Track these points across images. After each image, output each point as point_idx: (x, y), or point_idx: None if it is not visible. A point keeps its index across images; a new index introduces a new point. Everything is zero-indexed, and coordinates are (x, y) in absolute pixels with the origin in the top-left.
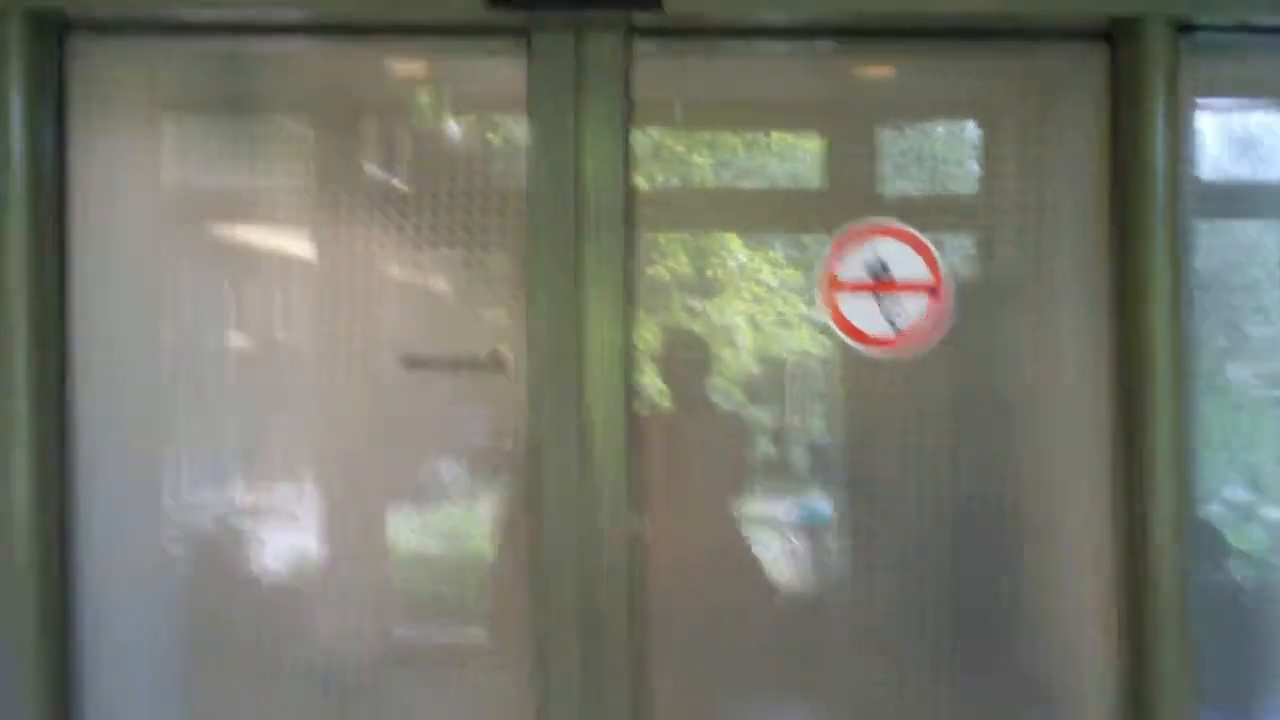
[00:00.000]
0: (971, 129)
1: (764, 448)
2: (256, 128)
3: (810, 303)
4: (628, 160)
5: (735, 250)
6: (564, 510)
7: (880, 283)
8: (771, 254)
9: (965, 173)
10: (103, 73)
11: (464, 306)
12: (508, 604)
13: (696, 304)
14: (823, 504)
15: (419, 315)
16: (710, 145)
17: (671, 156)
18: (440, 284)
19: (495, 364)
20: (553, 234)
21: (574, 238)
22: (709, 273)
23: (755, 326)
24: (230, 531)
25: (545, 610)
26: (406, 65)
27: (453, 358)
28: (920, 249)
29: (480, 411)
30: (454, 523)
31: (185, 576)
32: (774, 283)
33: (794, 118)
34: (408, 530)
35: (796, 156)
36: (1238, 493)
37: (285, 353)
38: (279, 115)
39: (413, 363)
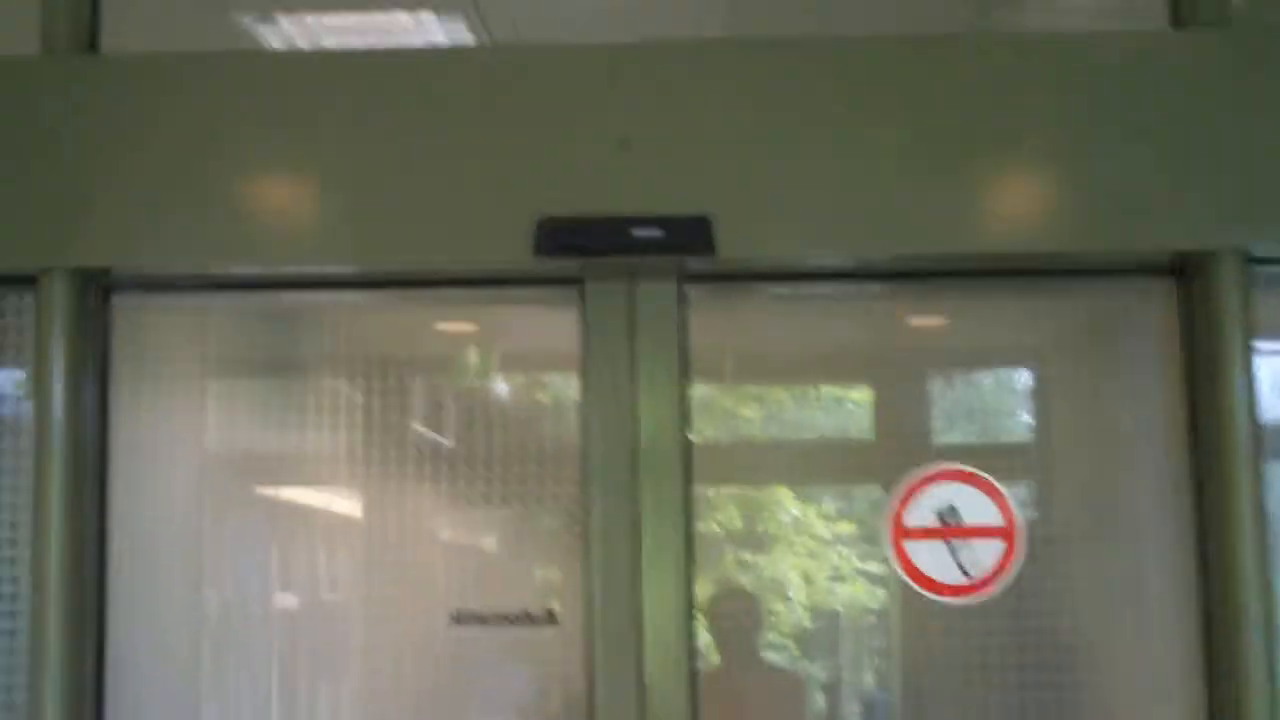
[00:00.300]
0: (1029, 369)
1: (820, 703)
2: (303, 386)
3: (864, 556)
4: (684, 411)
5: (788, 505)
6: None
7: (950, 528)
8: (823, 507)
9: (1024, 415)
10: (148, 332)
11: (513, 563)
12: None
13: (749, 557)
14: None
15: (467, 573)
16: (759, 398)
17: (721, 409)
18: (488, 541)
19: (548, 620)
20: (608, 488)
21: (631, 492)
22: (760, 527)
23: (808, 580)
24: None
25: None
26: (456, 319)
27: (503, 614)
28: (991, 492)
29: (530, 670)
30: None
31: None
32: (827, 535)
33: (847, 364)
34: None
35: (846, 408)
36: None
37: (330, 612)
38: (326, 373)
39: (462, 618)
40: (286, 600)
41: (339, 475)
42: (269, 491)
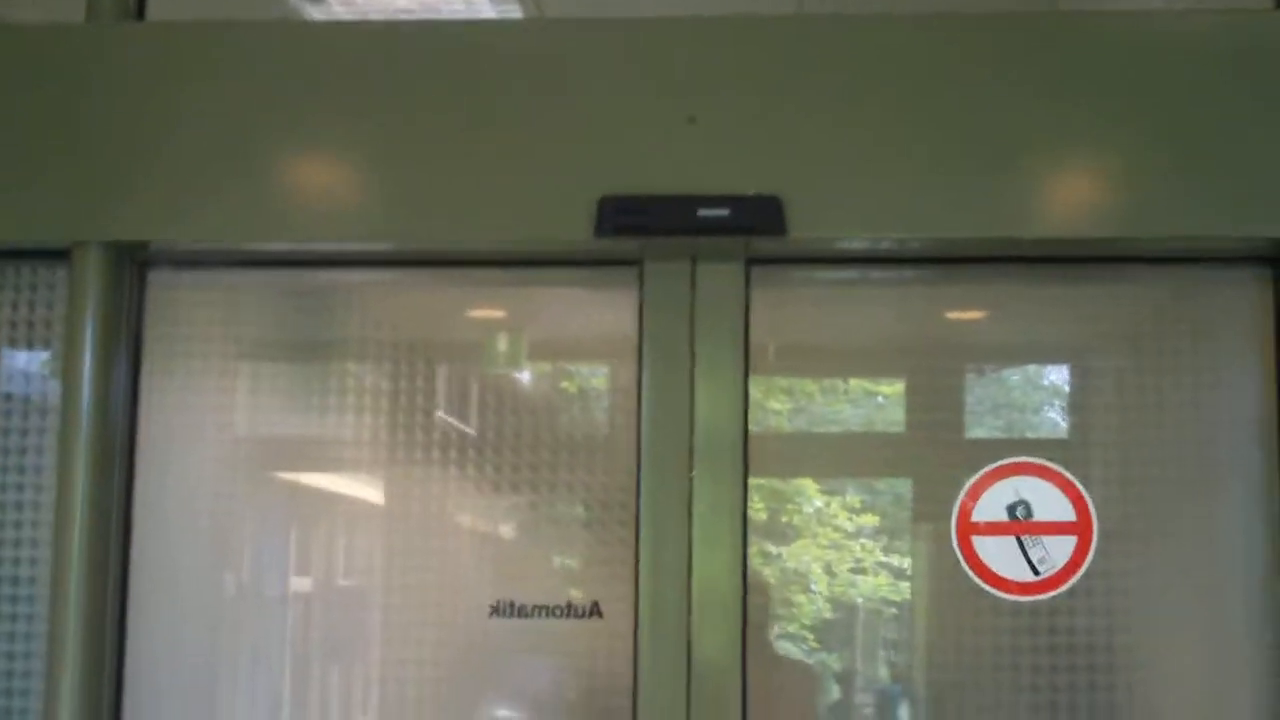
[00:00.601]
0: (1115, 361)
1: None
2: (340, 368)
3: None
4: (746, 400)
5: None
6: None
7: (1021, 523)
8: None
9: (1106, 409)
10: (183, 310)
11: (559, 555)
12: None
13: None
14: None
15: (513, 563)
16: (826, 388)
17: (781, 397)
18: (535, 532)
19: (593, 613)
20: (662, 477)
21: (686, 482)
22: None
23: (831, 572)
24: None
25: None
26: (509, 301)
27: (545, 605)
28: (1065, 487)
29: (572, 664)
30: None
31: None
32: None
33: (921, 353)
34: None
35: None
36: None
37: (368, 601)
38: (364, 356)
39: (502, 609)
40: (319, 587)
41: (384, 462)
42: (305, 477)
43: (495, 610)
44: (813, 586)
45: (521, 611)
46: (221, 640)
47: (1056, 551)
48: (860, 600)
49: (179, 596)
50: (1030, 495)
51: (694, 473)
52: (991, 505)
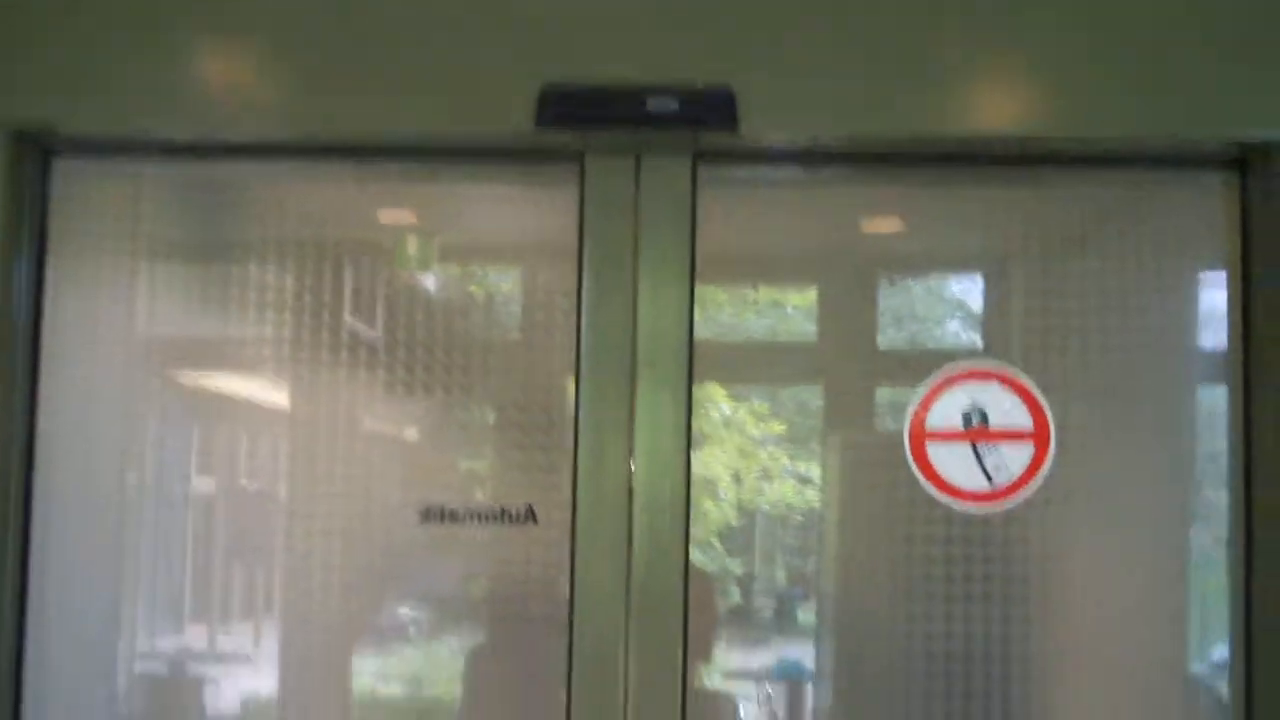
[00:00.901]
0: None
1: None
2: (251, 266)
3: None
4: (692, 303)
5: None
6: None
7: (977, 430)
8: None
9: (1064, 312)
10: (90, 202)
11: (493, 460)
12: None
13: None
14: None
15: (443, 468)
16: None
17: (725, 302)
18: (466, 436)
19: (528, 518)
20: (602, 383)
21: (629, 386)
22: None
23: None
24: (193, 681)
25: None
26: (437, 197)
27: (477, 510)
28: (1023, 394)
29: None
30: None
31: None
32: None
33: (875, 254)
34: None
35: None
36: None
37: (290, 507)
38: (278, 253)
39: (432, 514)
40: (242, 491)
41: (308, 365)
42: (203, 375)
43: (425, 516)
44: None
45: (453, 516)
46: (128, 544)
47: (1013, 460)
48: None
49: (84, 494)
50: (987, 402)
51: (638, 379)
52: (946, 412)
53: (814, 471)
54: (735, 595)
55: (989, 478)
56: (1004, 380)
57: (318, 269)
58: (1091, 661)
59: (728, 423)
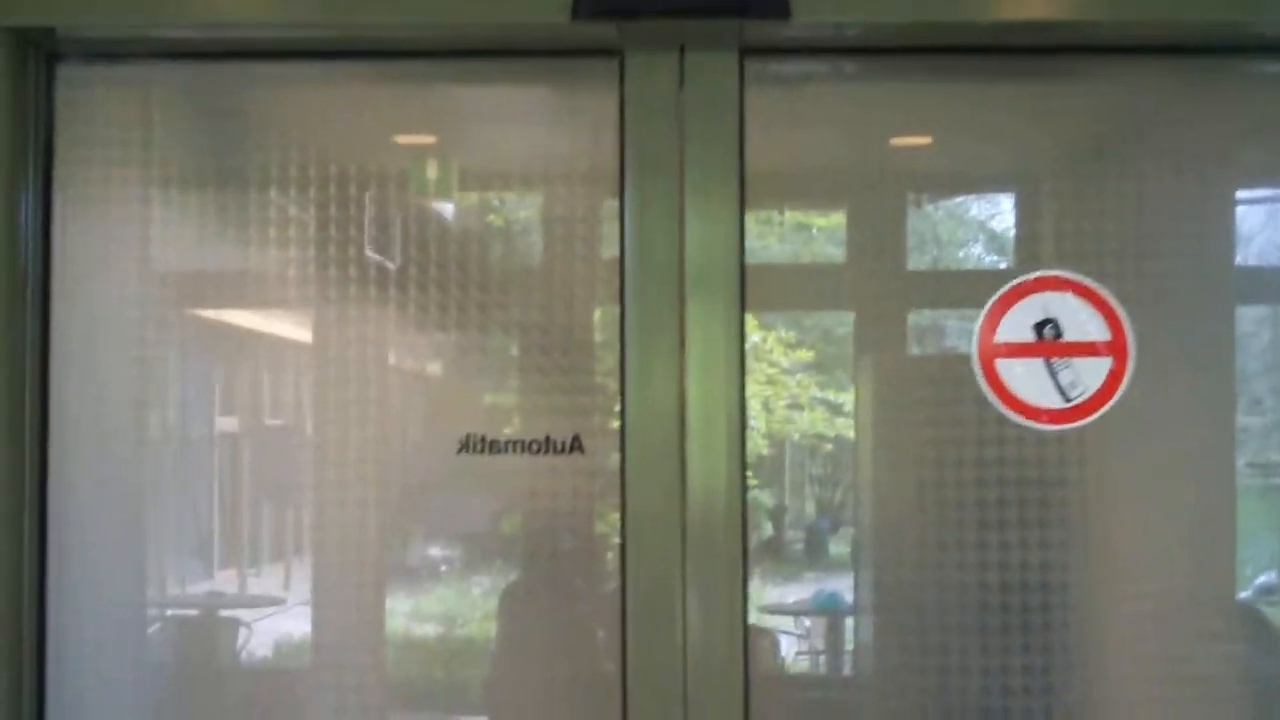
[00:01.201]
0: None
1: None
2: (271, 189)
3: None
4: (743, 217)
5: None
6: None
7: (1050, 344)
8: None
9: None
10: (96, 110)
11: (536, 389)
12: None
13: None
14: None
15: (483, 398)
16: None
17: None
18: (508, 365)
19: (574, 448)
20: (648, 305)
21: (675, 310)
22: None
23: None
24: (226, 625)
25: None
26: (460, 100)
27: (520, 440)
28: (1099, 304)
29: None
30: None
31: (170, 672)
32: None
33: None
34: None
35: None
36: None
37: (324, 440)
38: (300, 176)
39: (472, 445)
40: (268, 427)
41: (296, 290)
42: (232, 311)
43: (464, 446)
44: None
45: (493, 446)
46: (147, 480)
47: (1089, 375)
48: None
49: (100, 430)
50: (1060, 314)
51: (687, 301)
52: (1018, 325)
53: (844, 399)
54: (768, 528)
55: (1064, 395)
56: (1079, 289)
57: (341, 194)
58: (1141, 589)
59: (755, 351)
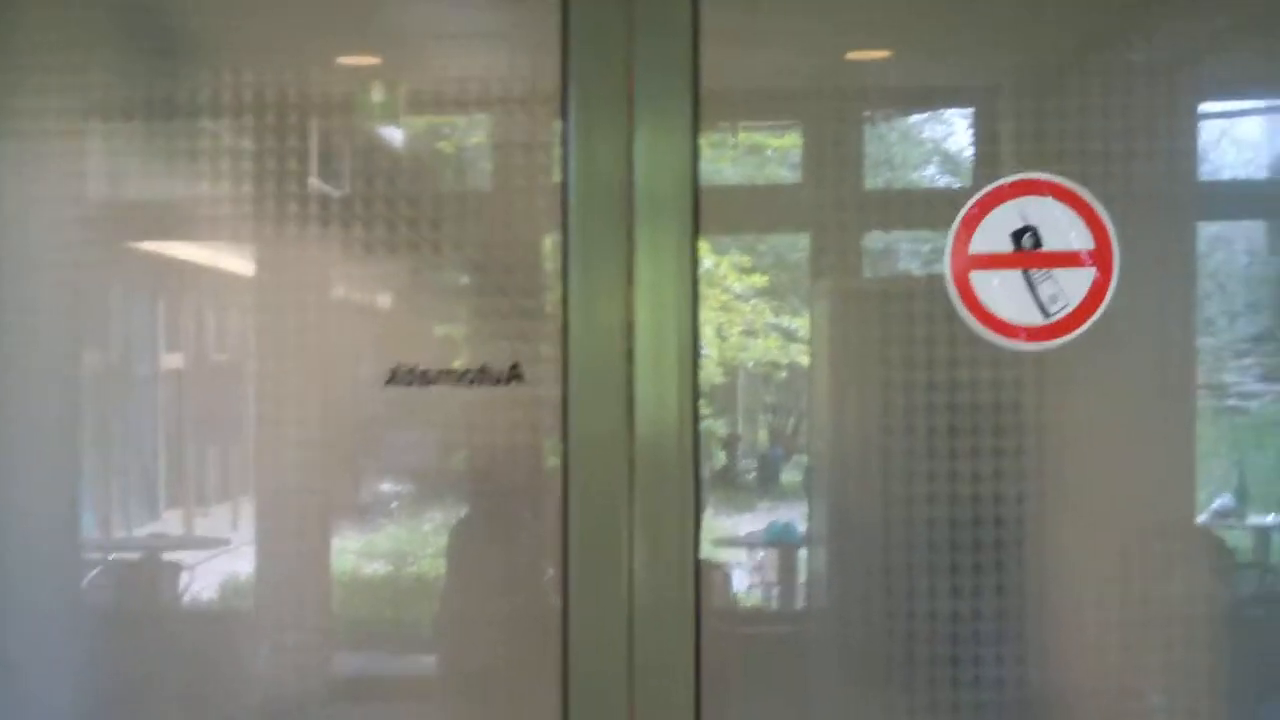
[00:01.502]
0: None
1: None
2: (203, 119)
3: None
4: (696, 135)
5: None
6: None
7: (1028, 254)
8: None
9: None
10: (23, 36)
11: (472, 318)
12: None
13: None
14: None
15: (419, 326)
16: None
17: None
18: (443, 294)
19: (512, 377)
20: (595, 227)
21: (625, 230)
22: None
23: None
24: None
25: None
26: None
27: (453, 370)
28: (1082, 209)
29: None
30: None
31: (108, 617)
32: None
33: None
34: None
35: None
36: None
37: (254, 372)
38: (234, 105)
39: (400, 376)
40: (198, 361)
41: (259, 222)
42: (167, 243)
43: (394, 377)
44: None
45: (425, 377)
46: (87, 419)
47: (1071, 288)
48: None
49: (39, 379)
50: (1040, 220)
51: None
52: (994, 233)
53: (799, 324)
54: (721, 458)
55: (1044, 310)
56: (1060, 193)
57: (278, 121)
58: (1102, 516)
59: (708, 277)
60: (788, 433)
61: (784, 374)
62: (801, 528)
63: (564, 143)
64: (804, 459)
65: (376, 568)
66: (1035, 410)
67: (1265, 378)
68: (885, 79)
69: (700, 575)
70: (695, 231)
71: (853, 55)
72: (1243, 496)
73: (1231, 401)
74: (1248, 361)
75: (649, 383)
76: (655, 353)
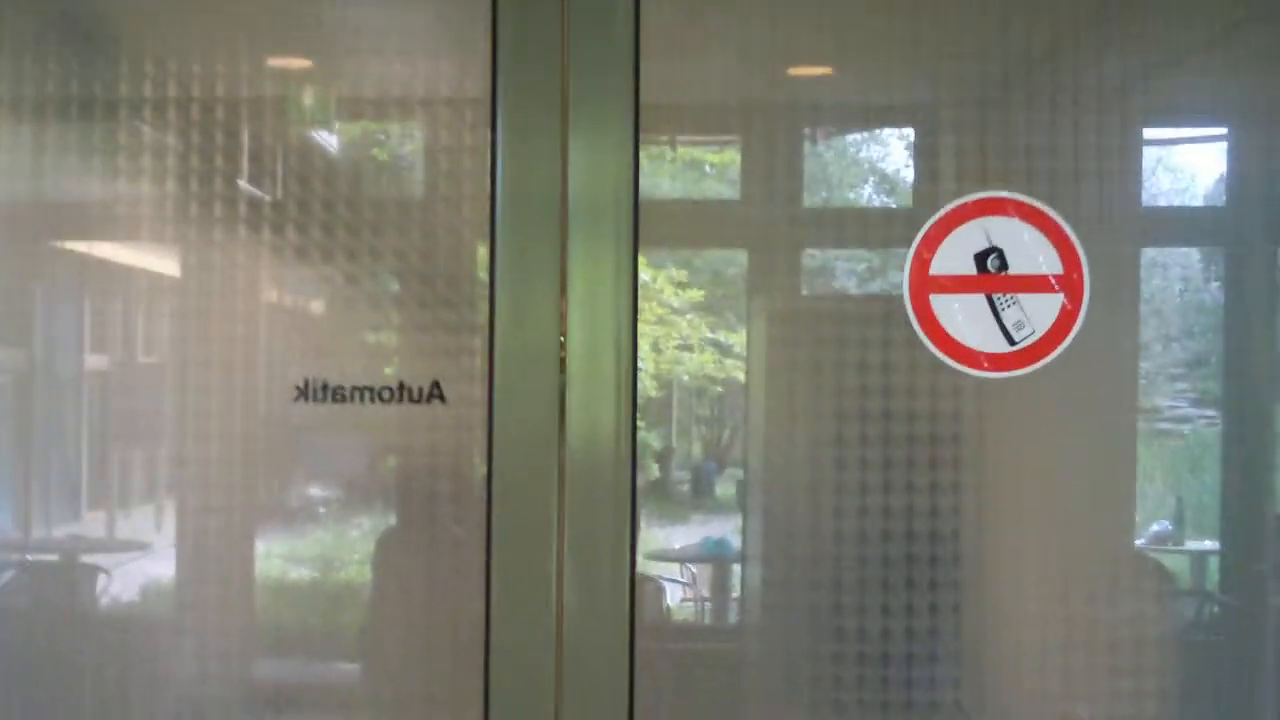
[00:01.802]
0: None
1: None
2: (120, 115)
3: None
4: (637, 147)
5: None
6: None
7: (994, 277)
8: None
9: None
10: None
11: (394, 334)
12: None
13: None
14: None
15: (331, 342)
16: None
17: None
18: (360, 308)
19: (434, 396)
20: (525, 238)
21: (558, 243)
22: None
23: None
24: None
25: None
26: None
27: (369, 387)
28: (1049, 229)
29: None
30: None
31: (24, 613)
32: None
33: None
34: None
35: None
36: None
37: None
38: (154, 103)
39: (313, 391)
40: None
41: (182, 220)
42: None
43: (302, 393)
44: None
45: (337, 394)
46: (7, 419)
47: (1037, 315)
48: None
49: None
50: (1005, 241)
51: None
52: (956, 254)
53: (735, 340)
54: (654, 471)
55: (1009, 337)
56: (1028, 214)
57: (203, 121)
58: (1042, 539)
59: (644, 290)
60: (721, 446)
61: (719, 389)
62: (736, 543)
63: (493, 150)
64: (739, 473)
65: (302, 573)
66: (974, 425)
67: (1198, 403)
68: (828, 95)
69: (635, 604)
70: (635, 244)
71: (795, 71)
72: (1179, 521)
73: (1164, 425)
74: (1181, 386)
75: (582, 396)
76: (589, 366)
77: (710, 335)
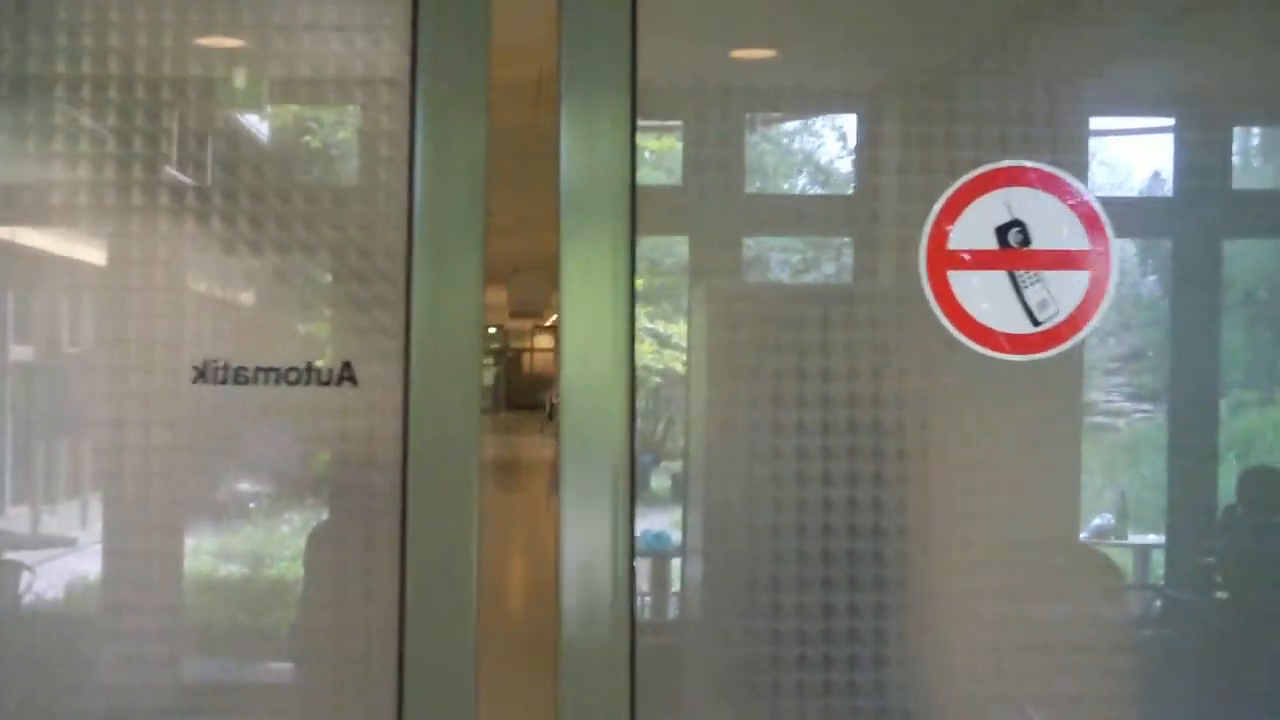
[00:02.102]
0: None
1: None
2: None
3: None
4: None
5: None
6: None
7: (1015, 252)
8: None
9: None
10: None
11: (305, 316)
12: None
13: None
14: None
15: (244, 324)
16: None
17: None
18: (272, 292)
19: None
20: (447, 221)
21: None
22: None
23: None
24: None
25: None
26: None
27: (274, 368)
28: (1075, 202)
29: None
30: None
31: None
32: None
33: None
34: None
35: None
36: None
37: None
38: (73, 82)
39: (210, 372)
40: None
41: (98, 203)
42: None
43: (201, 374)
44: None
45: (239, 376)
46: None
47: (1063, 291)
48: None
49: None
50: (1027, 213)
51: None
52: (976, 228)
53: (674, 330)
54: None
55: (1033, 317)
56: (1050, 184)
57: (123, 104)
58: (985, 532)
59: None
60: (657, 439)
61: (657, 379)
62: (675, 536)
63: (412, 132)
64: (675, 465)
65: (232, 569)
66: (917, 417)
67: (1134, 396)
68: (770, 79)
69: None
70: (634, 231)
71: (738, 54)
72: (1120, 515)
73: (1100, 419)
74: (1118, 380)
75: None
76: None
77: (649, 325)
